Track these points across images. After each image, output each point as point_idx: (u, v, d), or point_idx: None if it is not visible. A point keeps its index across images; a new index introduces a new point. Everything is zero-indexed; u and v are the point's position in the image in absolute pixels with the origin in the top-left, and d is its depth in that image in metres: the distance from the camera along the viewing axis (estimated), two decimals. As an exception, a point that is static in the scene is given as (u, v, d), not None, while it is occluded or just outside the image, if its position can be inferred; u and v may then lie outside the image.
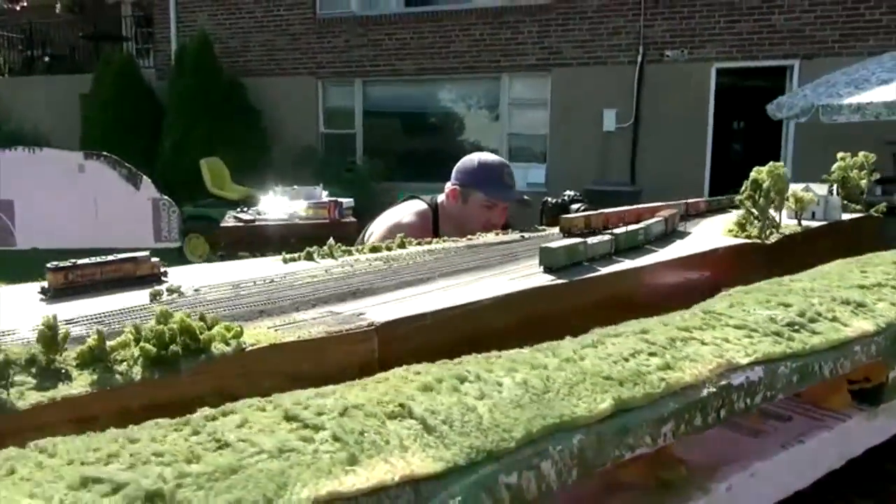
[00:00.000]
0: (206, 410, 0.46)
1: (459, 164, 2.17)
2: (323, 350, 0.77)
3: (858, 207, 2.31)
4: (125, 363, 0.65)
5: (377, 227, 2.16)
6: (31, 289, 0.95)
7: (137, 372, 0.64)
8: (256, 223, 4.52)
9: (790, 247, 1.74)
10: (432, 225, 2.15)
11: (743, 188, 1.71)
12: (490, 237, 1.58)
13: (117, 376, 0.63)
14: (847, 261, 1.15)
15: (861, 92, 6.00)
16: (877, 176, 2.45)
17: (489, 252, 1.34)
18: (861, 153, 2.36)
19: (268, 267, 1.17)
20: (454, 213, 2.11)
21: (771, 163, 1.69)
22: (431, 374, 0.50)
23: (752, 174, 1.72)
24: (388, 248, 1.34)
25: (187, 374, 0.67)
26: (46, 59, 16.33)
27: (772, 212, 1.70)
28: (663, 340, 0.60)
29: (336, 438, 0.39)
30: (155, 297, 0.90)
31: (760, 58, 9.19)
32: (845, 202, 2.22)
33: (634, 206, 1.83)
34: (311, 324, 0.81)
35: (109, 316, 0.82)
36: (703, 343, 0.61)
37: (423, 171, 10.82)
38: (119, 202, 2.31)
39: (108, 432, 0.42)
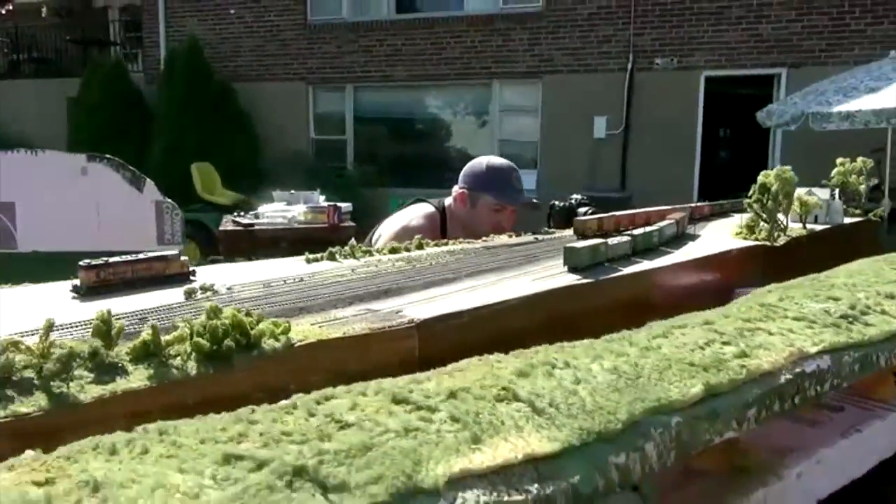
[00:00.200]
0: (302, 396, 0.46)
1: (467, 167, 2.18)
2: (366, 347, 0.78)
3: (857, 212, 2.35)
4: (179, 358, 0.65)
5: (385, 230, 2.17)
6: (63, 287, 0.95)
7: (192, 367, 0.64)
8: (256, 227, 4.50)
9: (796, 249, 1.76)
10: (440, 228, 2.15)
11: (751, 192, 1.73)
12: (504, 239, 1.59)
13: (173, 371, 0.63)
14: (874, 259, 1.17)
15: (850, 100, 6.09)
16: (874, 182, 2.49)
17: (508, 253, 1.35)
18: (859, 159, 2.40)
19: (292, 267, 1.17)
20: (462, 216, 2.12)
21: (778, 167, 1.72)
22: (520, 361, 0.51)
23: (760, 178, 1.75)
24: (407, 249, 1.34)
25: (239, 370, 0.67)
26: (33, 63, 16.20)
27: (779, 215, 1.73)
28: (731, 331, 0.62)
29: (454, 419, 0.39)
30: (190, 294, 0.90)
31: (748, 66, 9.31)
32: (845, 206, 2.26)
33: (643, 210, 1.85)
34: (352, 321, 0.81)
35: (150, 313, 0.82)
36: (769, 333, 0.62)
37: (414, 178, 10.85)
38: (122, 205, 2.30)
39: (223, 416, 0.43)
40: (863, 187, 2.34)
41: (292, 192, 5.19)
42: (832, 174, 2.34)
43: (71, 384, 0.58)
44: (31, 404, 0.55)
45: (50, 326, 0.61)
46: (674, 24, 9.53)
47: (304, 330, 0.75)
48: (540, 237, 1.62)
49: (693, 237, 1.70)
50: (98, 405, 0.58)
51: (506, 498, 0.34)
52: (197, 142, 10.30)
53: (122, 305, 0.86)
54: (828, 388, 0.61)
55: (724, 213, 2.32)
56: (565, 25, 10.02)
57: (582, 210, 2.02)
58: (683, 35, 9.50)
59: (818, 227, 1.95)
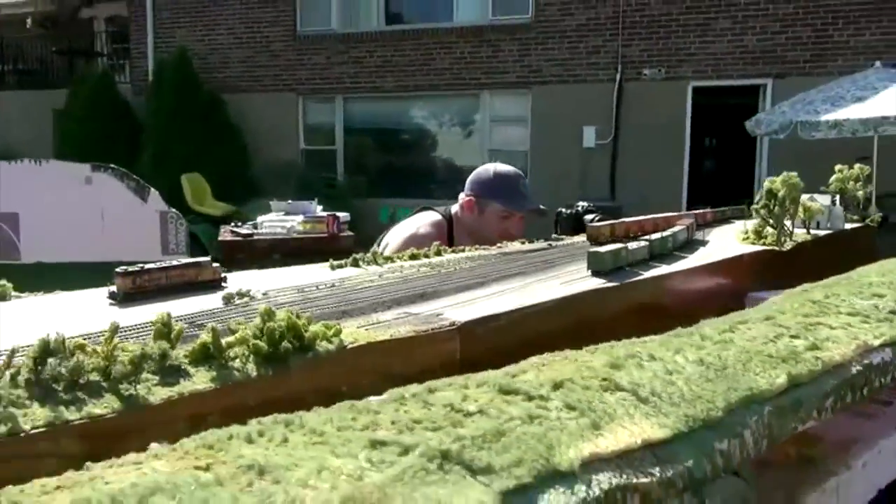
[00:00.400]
0: (399, 390, 0.47)
1: (474, 175, 2.19)
2: (412, 349, 0.79)
3: (855, 218, 2.39)
4: (238, 360, 0.66)
5: (392, 239, 2.17)
6: (98, 294, 0.95)
7: (252, 369, 0.65)
8: (255, 237, 4.49)
9: (801, 254, 1.80)
10: (447, 236, 2.16)
11: (758, 197, 1.76)
12: (518, 245, 1.60)
13: (234, 373, 0.64)
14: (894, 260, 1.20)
15: (838, 109, 6.20)
16: (870, 188, 2.54)
17: (526, 259, 1.37)
18: (857, 165, 2.44)
19: (318, 273, 1.18)
20: (470, 223, 2.13)
21: (785, 173, 1.75)
22: (607, 355, 0.52)
23: (766, 184, 1.78)
24: (426, 256, 1.36)
25: (295, 372, 0.68)
26: (17, 74, 16.08)
27: (785, 221, 1.76)
28: (794, 325, 0.63)
29: (570, 407, 0.40)
30: (228, 300, 0.91)
31: (735, 77, 9.45)
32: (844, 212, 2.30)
33: (651, 216, 1.88)
34: (394, 324, 0.82)
35: (195, 317, 0.82)
36: (831, 328, 0.64)
37: (404, 188, 10.87)
38: (126, 215, 2.29)
39: (336, 408, 0.43)
40: (860, 193, 2.39)
41: (289, 202, 5.19)
42: (830, 181, 2.38)
43: (138, 386, 0.59)
44: (103, 406, 0.55)
45: (115, 330, 0.62)
46: (661, 36, 9.65)
47: (352, 332, 0.76)
48: (553, 243, 1.64)
49: (702, 243, 1.73)
50: (167, 407, 0.58)
51: (634, 480, 0.36)
52: (186, 153, 10.28)
53: (162, 311, 0.87)
54: (889, 381, 0.63)
55: (725, 220, 2.36)
56: (554, 36, 10.11)
57: (588, 217, 2.04)
58: (671, 46, 9.63)
59: (821, 233, 1.98)
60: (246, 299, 0.93)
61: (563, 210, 2.08)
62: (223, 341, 0.66)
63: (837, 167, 2.42)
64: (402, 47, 10.92)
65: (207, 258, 1.04)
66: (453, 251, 1.43)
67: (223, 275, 1.04)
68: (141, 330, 0.78)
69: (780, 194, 1.71)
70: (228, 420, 0.58)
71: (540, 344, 0.93)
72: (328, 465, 0.30)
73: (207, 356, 0.65)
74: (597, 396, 0.42)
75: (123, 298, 0.92)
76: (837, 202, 2.18)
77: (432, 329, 0.81)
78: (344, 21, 11.40)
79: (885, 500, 0.72)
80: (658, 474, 0.37)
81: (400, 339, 0.77)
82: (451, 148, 11.41)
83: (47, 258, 2.05)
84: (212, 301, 0.92)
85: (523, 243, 1.66)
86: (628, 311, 1.14)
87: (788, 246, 1.73)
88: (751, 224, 1.94)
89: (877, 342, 0.63)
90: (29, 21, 17.03)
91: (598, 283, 1.11)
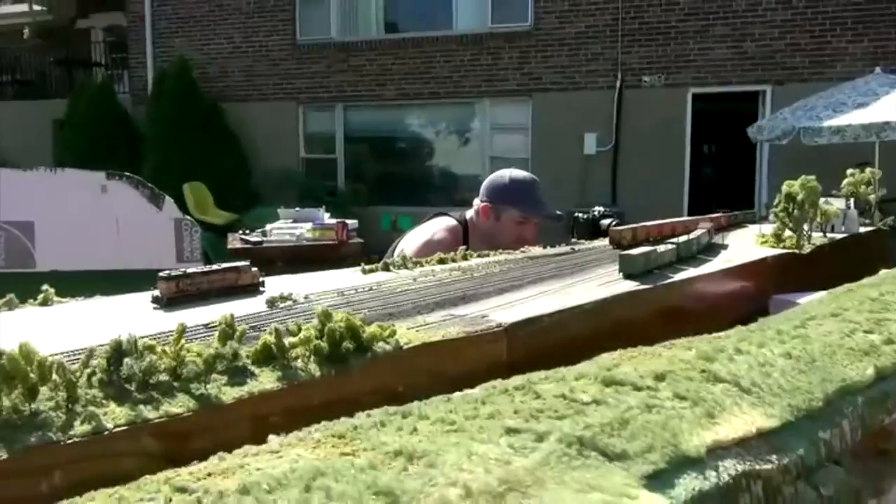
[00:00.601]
0: (495, 383, 0.47)
1: (489, 181, 2.20)
2: (462, 350, 0.79)
3: (867, 221, 2.41)
4: (299, 360, 0.66)
5: (408, 244, 2.18)
6: (142, 299, 0.95)
7: (314, 369, 0.65)
8: (265, 245, 4.50)
9: (820, 257, 1.81)
10: (463, 241, 2.17)
11: (777, 201, 1.77)
12: (540, 250, 1.61)
13: (299, 372, 0.64)
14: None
15: (840, 115, 6.24)
16: (883, 192, 2.55)
17: (554, 263, 1.37)
18: (868, 170, 2.46)
19: (350, 277, 1.18)
20: (486, 229, 2.14)
21: (803, 176, 1.76)
22: (695, 347, 0.53)
23: (784, 188, 1.79)
24: (454, 260, 1.36)
25: (354, 372, 0.69)
26: (15, 85, 16.08)
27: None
28: (863, 320, 0.64)
29: (681, 397, 0.41)
30: (272, 303, 0.91)
31: (734, 83, 9.49)
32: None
33: (669, 220, 1.89)
34: (443, 325, 0.82)
35: (242, 320, 0.82)
36: None
37: (405, 196, 10.88)
38: (141, 223, 2.29)
39: (445, 399, 0.44)
40: (872, 197, 2.40)
41: (297, 209, 5.20)
42: (842, 185, 2.39)
43: (208, 386, 0.59)
44: (178, 405, 0.55)
45: (182, 331, 0.62)
46: (660, 43, 9.71)
47: (406, 334, 0.76)
48: (575, 247, 1.64)
49: (722, 246, 1.73)
50: (237, 406, 0.59)
51: (757, 467, 0.36)
52: (186, 162, 10.28)
53: (207, 315, 0.87)
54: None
55: (738, 225, 2.37)
56: (553, 44, 10.16)
57: (605, 222, 2.05)
58: (670, 53, 9.68)
59: (837, 236, 1.99)
60: (289, 302, 0.93)
61: (580, 215, 2.09)
62: (286, 342, 0.66)
63: (849, 171, 2.44)
64: (402, 55, 10.96)
65: (246, 262, 1.04)
66: (479, 255, 1.43)
67: (262, 279, 1.05)
68: (191, 333, 0.79)
69: (799, 197, 1.73)
70: (293, 420, 0.58)
71: (580, 345, 0.93)
72: (475, 451, 0.31)
73: (269, 356, 0.66)
74: (703, 387, 0.43)
75: (168, 302, 0.92)
76: (852, 205, 2.20)
77: (480, 330, 0.82)
78: (343, 30, 11.43)
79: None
80: (776, 462, 0.37)
81: (452, 339, 0.77)
82: (452, 156, 11.43)
83: (62, 266, 2.05)
84: (255, 305, 0.93)
85: (545, 248, 1.67)
86: (661, 312, 1.15)
87: (807, 249, 1.74)
88: (766, 227, 1.96)
89: (947, 336, 0.64)
90: (26, 31, 17.05)
91: (632, 285, 1.12)
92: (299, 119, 11.71)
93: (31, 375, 0.50)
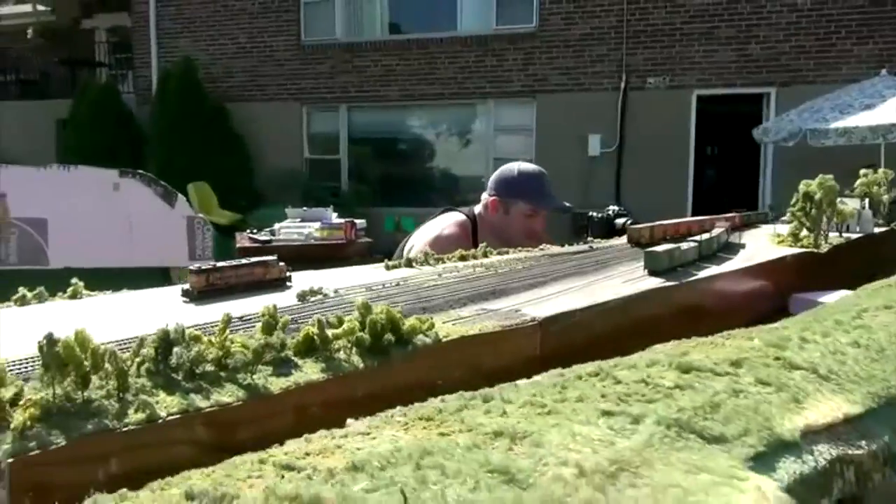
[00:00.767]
0: (563, 371, 0.47)
1: (497, 175, 2.20)
2: (498, 343, 0.79)
3: (881, 221, 2.40)
4: (342, 351, 0.66)
5: (418, 240, 2.18)
6: (171, 292, 0.95)
7: (357, 360, 0.65)
8: (274, 244, 4.51)
9: (838, 256, 1.80)
10: (472, 236, 2.16)
11: (794, 200, 1.77)
12: (558, 248, 1.61)
13: (342, 364, 0.64)
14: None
15: (846, 116, 6.23)
16: (894, 194, 2.55)
17: (576, 260, 1.37)
18: (880, 170, 2.45)
19: (373, 273, 1.18)
20: (495, 223, 2.14)
21: (821, 176, 1.76)
22: (761, 337, 0.52)
23: (802, 187, 1.79)
24: (474, 257, 1.36)
25: (396, 365, 0.68)
26: (18, 84, 16.10)
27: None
28: None
29: (764, 383, 0.41)
30: (303, 297, 0.91)
31: (738, 85, 9.49)
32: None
33: (685, 220, 1.88)
34: (477, 319, 0.82)
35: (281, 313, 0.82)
36: None
37: (408, 197, 10.88)
38: (153, 220, 2.28)
39: (524, 383, 0.43)
40: (885, 198, 2.40)
41: (305, 209, 5.21)
42: (855, 185, 2.39)
43: (254, 376, 0.59)
44: (227, 394, 0.55)
45: (228, 321, 0.62)
46: (665, 45, 9.71)
47: (442, 327, 0.76)
48: (593, 245, 1.64)
49: (740, 245, 1.73)
50: (284, 396, 0.58)
51: (849, 451, 0.36)
52: (190, 162, 10.29)
53: (239, 308, 0.87)
54: None
55: (752, 224, 2.37)
56: (558, 45, 10.16)
57: (620, 221, 2.05)
58: (675, 55, 9.68)
59: (853, 236, 1.99)
60: (320, 296, 0.93)
61: (595, 214, 2.09)
62: (329, 333, 0.66)
63: (862, 171, 2.44)
64: (407, 56, 10.97)
65: (274, 257, 1.04)
66: (498, 253, 1.43)
67: (289, 273, 1.05)
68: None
69: (817, 197, 1.72)
70: (337, 412, 0.58)
71: (609, 340, 0.93)
72: (577, 432, 0.30)
73: (312, 348, 0.65)
74: (782, 374, 0.42)
75: (198, 296, 0.92)
76: (867, 206, 2.19)
77: (516, 324, 0.81)
78: (348, 31, 11.44)
79: None
80: (865, 447, 0.37)
81: (488, 333, 0.77)
82: (456, 157, 11.43)
83: (75, 263, 2.04)
84: (284, 298, 0.92)
85: (562, 245, 1.67)
86: (685, 308, 1.15)
87: (825, 248, 1.73)
88: (782, 227, 1.95)
89: None
90: (30, 32, 17.08)
91: (657, 282, 1.11)
92: (303, 120, 11.72)
93: (85, 363, 0.50)
